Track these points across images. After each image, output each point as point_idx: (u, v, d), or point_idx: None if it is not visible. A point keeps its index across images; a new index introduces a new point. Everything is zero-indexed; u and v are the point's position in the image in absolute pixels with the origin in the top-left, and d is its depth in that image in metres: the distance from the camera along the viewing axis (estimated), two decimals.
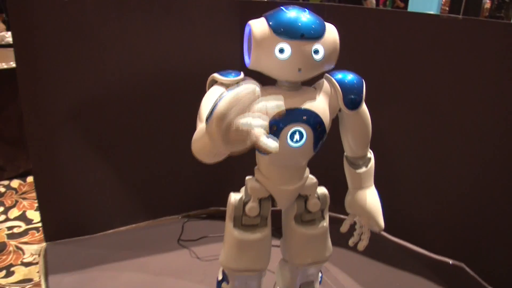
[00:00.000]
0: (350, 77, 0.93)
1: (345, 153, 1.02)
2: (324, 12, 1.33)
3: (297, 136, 0.88)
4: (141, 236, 1.51)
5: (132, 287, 1.27)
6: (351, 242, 1.06)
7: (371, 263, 1.45)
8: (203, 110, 0.86)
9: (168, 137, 1.46)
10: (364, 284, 1.34)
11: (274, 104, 0.82)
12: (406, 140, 1.43)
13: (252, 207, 0.96)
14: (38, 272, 1.46)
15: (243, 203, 0.98)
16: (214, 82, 0.93)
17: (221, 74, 0.91)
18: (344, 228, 1.04)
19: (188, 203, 1.61)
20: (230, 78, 0.90)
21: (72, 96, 1.31)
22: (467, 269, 1.41)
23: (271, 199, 0.99)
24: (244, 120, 0.70)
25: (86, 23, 1.24)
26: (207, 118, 0.71)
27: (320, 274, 1.16)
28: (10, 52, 4.66)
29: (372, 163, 1.00)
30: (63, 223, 1.44)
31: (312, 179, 1.00)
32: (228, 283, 1.05)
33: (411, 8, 4.12)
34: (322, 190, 1.02)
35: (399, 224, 1.53)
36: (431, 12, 3.95)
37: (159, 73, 1.36)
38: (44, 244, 1.41)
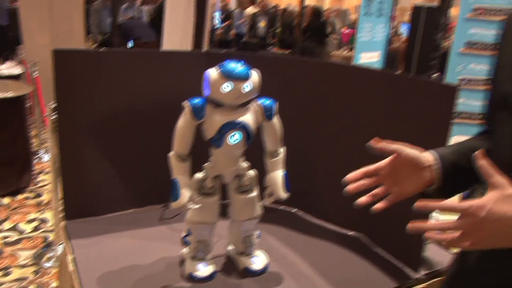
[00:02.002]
0: (268, 101, 1.55)
1: (265, 149, 1.63)
2: (262, 61, 1.96)
3: (235, 137, 1.49)
4: (132, 217, 2.05)
5: (127, 247, 1.81)
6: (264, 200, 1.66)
7: (296, 235, 2.04)
8: (177, 133, 1.50)
9: (156, 147, 2.02)
10: (289, 246, 1.92)
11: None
12: (321, 141, 2.06)
13: (208, 181, 1.56)
14: (60, 240, 1.99)
15: (203, 179, 1.57)
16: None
17: (189, 100, 1.52)
18: (265, 195, 1.64)
19: (167, 195, 2.18)
20: (194, 102, 1.50)
21: (93, 114, 1.89)
22: (367, 239, 2.02)
23: (220, 176, 1.59)
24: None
25: (110, 67, 1.87)
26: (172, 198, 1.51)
27: (258, 232, 1.74)
28: (3, 83, 5.26)
29: (282, 155, 1.62)
30: (77, 207, 1.98)
31: (245, 164, 1.60)
32: (191, 234, 1.63)
33: (358, 49, 4.68)
34: (252, 172, 1.62)
35: (315, 205, 2.15)
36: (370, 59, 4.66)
37: (153, 102, 1.97)
38: (64, 221, 1.94)
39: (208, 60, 1.76)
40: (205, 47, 4.56)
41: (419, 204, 0.82)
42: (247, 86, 1.46)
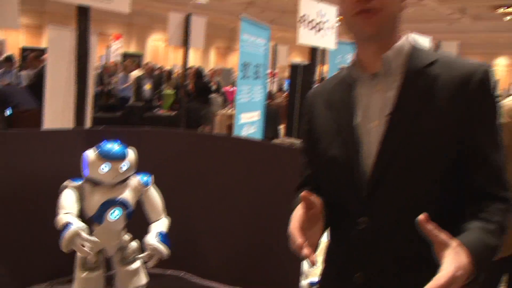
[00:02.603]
0: (145, 177, 1.70)
1: (149, 221, 1.75)
2: (141, 135, 2.10)
3: (115, 213, 1.60)
4: None
5: None
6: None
7: None
8: (61, 203, 1.56)
9: (37, 224, 2.05)
10: None
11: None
12: (202, 206, 2.23)
13: (91, 256, 1.64)
14: None
15: None
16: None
17: (72, 179, 1.61)
18: (145, 257, 1.71)
19: (54, 271, 2.18)
20: (74, 183, 1.60)
21: None
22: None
23: (103, 250, 1.67)
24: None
25: None
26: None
27: None
28: None
29: (163, 220, 1.73)
30: None
31: (127, 236, 1.71)
32: None
33: (238, 110, 4.90)
34: (135, 243, 1.73)
35: (202, 266, 2.29)
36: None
37: (34, 181, 1.99)
38: None
39: (89, 137, 1.87)
40: (89, 114, 4.55)
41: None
42: (124, 166, 1.59)
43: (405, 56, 1.11)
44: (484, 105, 1.04)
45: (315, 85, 6.04)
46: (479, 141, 1.04)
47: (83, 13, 3.52)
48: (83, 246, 1.49)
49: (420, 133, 1.05)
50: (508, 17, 14.35)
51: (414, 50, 1.12)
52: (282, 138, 8.05)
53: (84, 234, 1.50)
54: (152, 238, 1.66)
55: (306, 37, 5.04)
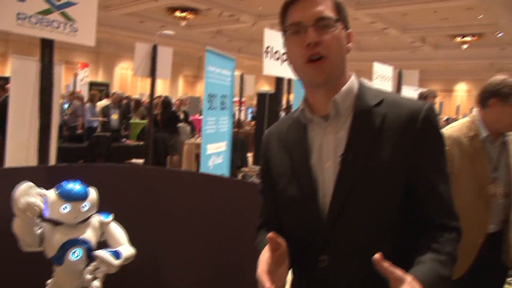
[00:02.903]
0: (108, 217, 1.69)
1: None
2: (104, 172, 2.11)
3: (77, 253, 1.59)
4: None
5: None
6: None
7: None
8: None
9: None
10: None
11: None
12: (164, 242, 2.23)
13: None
14: None
15: None
16: None
17: None
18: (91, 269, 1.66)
19: None
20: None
21: None
22: None
23: None
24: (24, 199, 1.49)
25: None
26: None
27: None
28: None
29: (129, 248, 1.72)
30: None
31: (89, 276, 1.69)
32: None
33: (205, 140, 4.92)
34: (97, 282, 1.72)
35: None
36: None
37: None
38: None
39: (51, 174, 1.87)
40: (54, 146, 4.50)
41: None
42: (85, 206, 1.59)
43: (354, 97, 1.16)
44: (431, 141, 1.11)
45: (281, 114, 6.04)
46: (427, 174, 1.10)
47: (47, 45, 3.49)
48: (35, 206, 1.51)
49: (372, 172, 1.10)
50: (465, 46, 15.00)
51: (362, 90, 1.17)
52: (250, 166, 8.09)
53: (36, 189, 1.54)
54: (101, 250, 1.61)
55: (272, 68, 5.13)
